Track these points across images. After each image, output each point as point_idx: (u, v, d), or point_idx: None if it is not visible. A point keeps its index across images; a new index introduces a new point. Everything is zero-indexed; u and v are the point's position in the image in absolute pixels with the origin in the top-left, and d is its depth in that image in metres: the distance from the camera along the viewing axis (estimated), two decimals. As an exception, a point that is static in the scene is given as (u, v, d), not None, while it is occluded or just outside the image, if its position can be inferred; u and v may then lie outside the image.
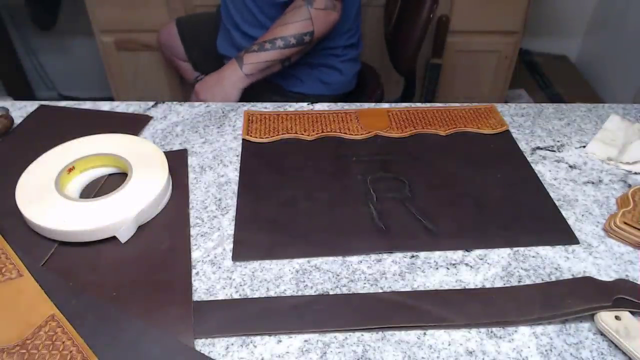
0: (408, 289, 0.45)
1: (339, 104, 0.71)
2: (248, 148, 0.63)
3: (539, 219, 0.52)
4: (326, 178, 0.57)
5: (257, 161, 0.60)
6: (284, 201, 0.54)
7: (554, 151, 0.63)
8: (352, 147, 0.62)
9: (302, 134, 0.64)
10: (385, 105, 0.71)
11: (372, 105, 0.71)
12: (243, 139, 0.64)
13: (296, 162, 0.60)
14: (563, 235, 0.51)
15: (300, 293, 0.45)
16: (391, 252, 0.49)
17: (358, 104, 0.72)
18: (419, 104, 0.71)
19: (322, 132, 0.64)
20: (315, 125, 0.66)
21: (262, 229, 0.51)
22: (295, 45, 0.88)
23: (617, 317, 0.41)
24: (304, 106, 0.70)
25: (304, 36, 0.88)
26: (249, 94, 0.90)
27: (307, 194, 0.55)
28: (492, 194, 0.55)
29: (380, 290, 0.45)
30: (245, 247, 0.49)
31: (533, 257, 0.49)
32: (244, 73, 0.88)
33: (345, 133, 0.64)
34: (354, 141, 0.63)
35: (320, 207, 0.54)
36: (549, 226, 0.52)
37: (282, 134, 0.64)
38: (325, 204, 0.54)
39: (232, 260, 0.48)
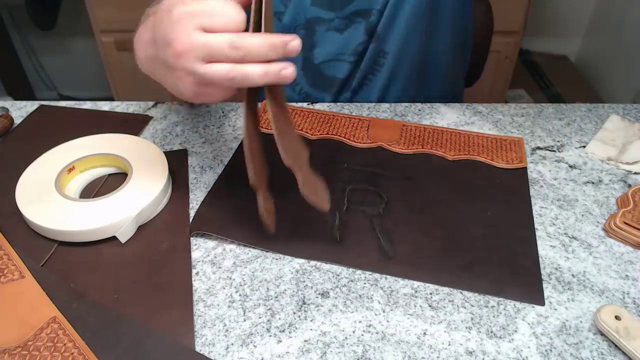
0: (408, 289, 0.45)
1: (342, 104, 0.71)
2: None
3: (510, 269, 0.47)
4: None
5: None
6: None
7: (554, 151, 0.63)
8: (349, 154, 0.61)
9: (307, 132, 0.64)
10: (402, 119, 0.68)
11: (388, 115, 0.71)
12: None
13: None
14: (530, 292, 0.45)
15: (300, 293, 0.45)
16: (334, 264, 0.48)
17: (387, 104, 0.71)
18: (443, 125, 0.67)
19: (327, 134, 0.64)
20: (323, 126, 0.65)
21: (224, 209, 0.52)
22: None
23: (617, 317, 0.41)
24: (304, 105, 0.70)
25: None
26: None
27: (283, 190, 0.55)
28: (471, 230, 0.51)
29: (381, 291, 0.45)
30: (202, 222, 0.51)
31: (533, 257, 0.49)
32: None
33: (349, 139, 0.63)
34: (354, 149, 0.62)
35: (288, 205, 0.52)
36: (518, 279, 0.46)
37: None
38: (294, 203, 0.52)
39: (189, 232, 0.50)
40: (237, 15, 0.36)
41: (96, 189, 0.56)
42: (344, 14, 0.70)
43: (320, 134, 0.64)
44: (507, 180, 0.58)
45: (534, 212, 0.53)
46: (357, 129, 0.65)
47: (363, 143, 0.62)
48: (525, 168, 0.59)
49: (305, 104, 0.71)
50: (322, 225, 0.51)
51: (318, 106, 0.70)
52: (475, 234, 0.51)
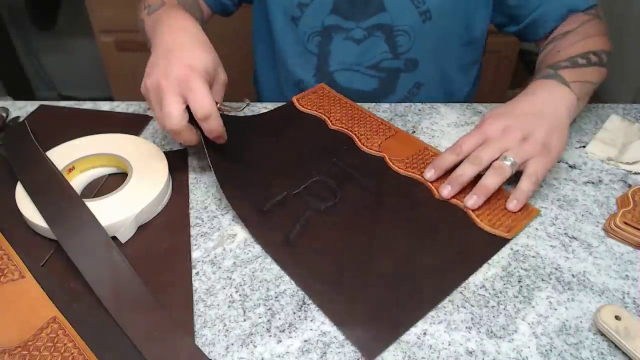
0: (408, 289, 0.45)
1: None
2: (286, 109, 0.67)
3: (372, 314, 0.43)
4: (298, 163, 0.58)
5: (276, 121, 0.64)
6: (248, 161, 0.58)
7: (554, 151, 0.63)
8: (349, 153, 0.60)
9: (330, 120, 0.65)
10: (429, 143, 0.63)
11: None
12: (291, 101, 0.68)
13: (297, 139, 0.62)
14: (364, 342, 0.41)
15: (300, 293, 0.45)
16: (243, 226, 0.51)
17: (387, 104, 0.70)
18: (443, 125, 0.66)
19: (347, 128, 0.63)
20: (349, 120, 0.65)
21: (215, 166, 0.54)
22: (605, 65, 0.62)
23: (617, 317, 0.41)
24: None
25: (608, 56, 0.63)
26: None
27: (271, 166, 0.58)
28: (383, 267, 0.47)
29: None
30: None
31: (533, 257, 0.49)
32: (575, 95, 0.57)
33: (361, 141, 0.61)
34: (358, 151, 0.60)
35: (269, 178, 0.56)
36: (371, 326, 0.42)
37: (320, 112, 0.66)
38: (271, 174, 0.57)
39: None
40: (205, 108, 0.49)
41: (96, 189, 0.56)
42: (365, 25, 0.71)
43: (340, 126, 0.64)
44: (478, 243, 0.49)
45: (534, 212, 0.53)
46: (376, 134, 0.62)
47: (370, 149, 0.60)
48: (508, 240, 0.49)
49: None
50: (265, 193, 0.54)
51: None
52: (384, 270, 0.46)
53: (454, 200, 0.53)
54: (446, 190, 0.53)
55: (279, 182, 0.55)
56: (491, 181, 0.51)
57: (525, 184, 0.51)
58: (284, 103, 0.69)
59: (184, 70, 0.49)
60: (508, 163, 0.51)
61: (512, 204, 0.51)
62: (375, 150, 0.60)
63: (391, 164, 0.58)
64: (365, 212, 0.52)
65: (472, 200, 0.51)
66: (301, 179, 0.56)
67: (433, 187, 0.54)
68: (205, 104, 0.49)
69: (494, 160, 0.52)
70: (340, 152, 0.60)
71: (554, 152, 0.53)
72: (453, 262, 0.47)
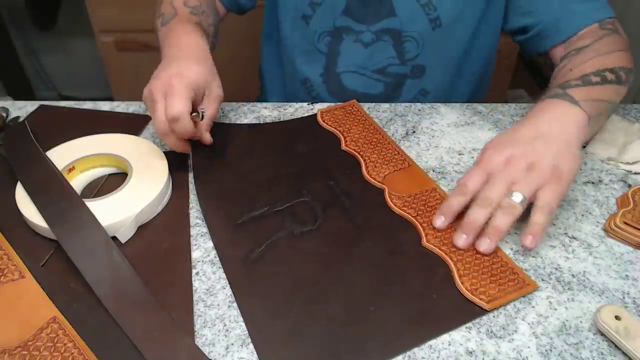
0: (408, 289, 0.45)
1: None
2: (306, 121, 0.66)
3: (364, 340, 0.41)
4: (293, 179, 0.57)
5: (290, 133, 0.63)
6: (241, 170, 0.58)
7: (554, 151, 0.62)
8: (351, 180, 0.56)
9: (346, 140, 0.62)
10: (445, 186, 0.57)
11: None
12: (315, 114, 0.67)
13: (303, 154, 0.61)
14: None
15: (300, 293, 0.45)
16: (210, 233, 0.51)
17: (387, 104, 0.71)
18: (443, 125, 0.67)
19: (358, 151, 0.60)
20: (365, 144, 0.61)
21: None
22: (624, 83, 0.58)
23: (617, 317, 0.41)
24: (304, 105, 0.70)
25: (629, 72, 0.59)
26: None
27: (264, 178, 0.57)
28: (331, 308, 0.43)
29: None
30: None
31: (533, 257, 0.49)
32: (587, 114, 0.52)
33: (368, 170, 0.57)
34: (359, 179, 0.57)
35: (257, 190, 0.55)
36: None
37: (338, 130, 0.63)
38: (261, 186, 0.56)
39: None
40: (174, 109, 0.51)
41: (96, 189, 0.56)
42: (374, 28, 0.71)
43: (352, 149, 0.60)
44: (449, 308, 0.44)
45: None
46: (386, 164, 0.58)
47: (373, 179, 0.56)
48: (485, 312, 0.44)
49: (305, 104, 0.70)
50: (247, 206, 0.53)
51: (319, 106, 0.70)
52: (334, 314, 0.43)
53: (441, 253, 0.48)
54: (462, 240, 0.48)
55: (265, 196, 0.54)
56: (502, 222, 0.47)
57: (538, 217, 0.47)
58: (290, 101, 0.70)
59: (169, 75, 0.53)
60: (517, 200, 0.47)
61: (528, 240, 0.47)
62: (378, 181, 0.56)
63: (388, 199, 0.53)
64: (338, 246, 0.49)
65: (485, 245, 0.47)
66: (289, 196, 0.54)
67: (424, 233, 0.49)
68: (175, 105, 0.50)
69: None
70: (341, 176, 0.57)
71: (565, 177, 0.48)
72: (413, 322, 0.42)
